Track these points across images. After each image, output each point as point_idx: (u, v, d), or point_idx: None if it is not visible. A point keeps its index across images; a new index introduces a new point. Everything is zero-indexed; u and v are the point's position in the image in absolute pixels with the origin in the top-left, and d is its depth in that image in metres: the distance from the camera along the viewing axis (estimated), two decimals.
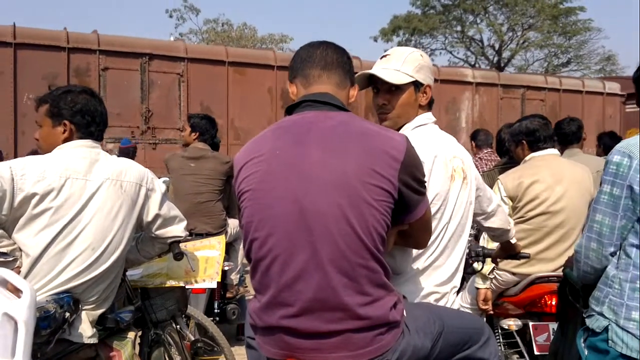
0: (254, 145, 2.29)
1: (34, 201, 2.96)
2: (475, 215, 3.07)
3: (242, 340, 6.46)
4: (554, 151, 4.50)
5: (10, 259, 2.99)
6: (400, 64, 2.81)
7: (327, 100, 2.30)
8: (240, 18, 58.85)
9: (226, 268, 6.30)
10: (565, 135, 6.37)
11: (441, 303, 2.74)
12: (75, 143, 3.22)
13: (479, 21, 42.16)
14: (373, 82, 2.87)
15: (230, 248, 6.75)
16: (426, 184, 2.41)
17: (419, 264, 2.68)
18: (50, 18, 67.76)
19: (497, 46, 42.42)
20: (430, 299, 2.71)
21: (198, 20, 39.82)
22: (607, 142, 8.40)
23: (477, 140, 8.48)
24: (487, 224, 3.33)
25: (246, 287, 7.21)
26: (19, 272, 2.95)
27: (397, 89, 2.81)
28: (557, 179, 4.25)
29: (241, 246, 6.66)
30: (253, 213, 2.19)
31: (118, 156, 8.87)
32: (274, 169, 2.17)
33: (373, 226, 2.11)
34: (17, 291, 2.62)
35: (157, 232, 3.50)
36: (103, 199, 3.13)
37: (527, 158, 4.51)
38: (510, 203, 4.29)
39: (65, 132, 3.23)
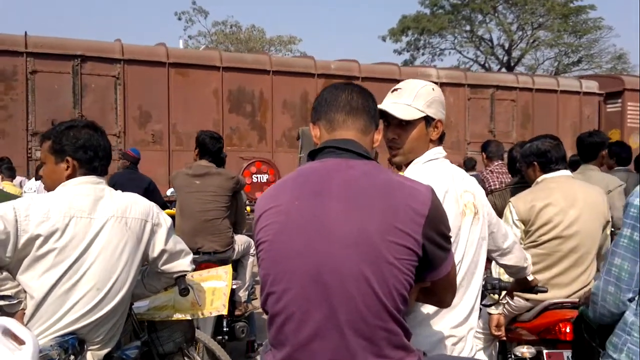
0: (274, 192, 2.18)
1: (38, 242, 2.88)
2: (490, 251, 2.97)
3: (252, 358, 6.44)
4: (566, 172, 4.31)
5: (15, 301, 2.96)
6: (411, 99, 2.71)
7: (350, 148, 2.15)
8: (248, 20, 58.56)
9: (234, 286, 6.02)
10: (584, 150, 6.11)
11: (458, 347, 2.62)
12: (79, 180, 3.12)
13: (488, 20, 40.81)
14: (384, 116, 2.70)
15: (238, 265, 6.55)
16: (452, 238, 2.28)
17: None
18: (66, 27, 67.16)
19: (506, 45, 41.05)
20: (447, 343, 2.60)
21: (207, 23, 39.20)
22: (617, 152, 7.30)
23: (487, 152, 8.14)
24: (503, 261, 3.19)
25: (255, 298, 6.98)
26: (23, 315, 2.93)
27: (407, 124, 2.71)
28: (570, 201, 4.07)
29: (249, 261, 6.57)
30: (270, 266, 2.08)
31: (125, 164, 8.64)
32: (293, 220, 2.05)
33: (394, 286, 1.98)
34: (19, 340, 2.52)
35: (163, 268, 3.39)
36: (108, 237, 3.04)
37: (538, 180, 4.31)
38: (522, 227, 4.13)
39: (68, 169, 3.13)
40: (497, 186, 7.33)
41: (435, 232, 2.08)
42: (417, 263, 2.03)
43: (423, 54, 42.20)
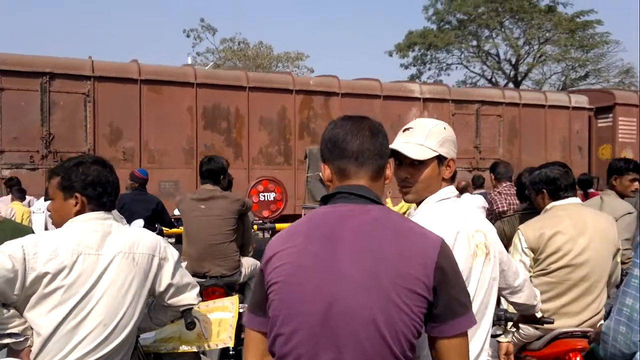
0: (287, 235, 2.15)
1: (45, 280, 2.85)
2: (500, 289, 2.95)
3: None
4: (576, 200, 4.23)
5: (22, 339, 2.89)
6: (423, 139, 2.68)
7: (362, 194, 2.12)
8: (256, 37, 58.49)
9: (241, 310, 5.60)
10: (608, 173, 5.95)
11: None
12: (87, 216, 3.09)
13: (494, 36, 40.30)
14: (395, 155, 2.67)
15: (245, 288, 6.39)
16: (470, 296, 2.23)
17: None
18: (79, 49, 67.30)
19: (513, 60, 40.48)
20: None
21: (215, 40, 39.03)
22: None
23: (496, 173, 7.98)
24: (513, 299, 3.16)
25: None
26: (30, 352, 2.90)
27: (420, 164, 2.68)
28: (580, 230, 4.00)
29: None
30: (280, 307, 2.05)
31: (134, 185, 7.97)
32: (305, 263, 2.03)
33: (402, 332, 1.95)
34: None
35: (170, 301, 3.34)
36: (115, 273, 3.01)
37: (548, 207, 4.23)
38: (532, 255, 4.05)
39: (77, 205, 3.10)
40: (505, 208, 7.28)
41: (446, 279, 2.04)
42: (426, 310, 2.01)
43: (429, 69, 41.88)
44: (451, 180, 2.79)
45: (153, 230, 8.78)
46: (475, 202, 10.77)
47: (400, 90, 16.21)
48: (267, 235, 15.18)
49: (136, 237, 3.17)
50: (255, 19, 69.62)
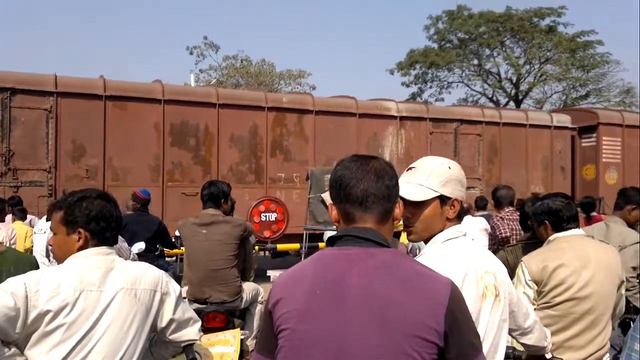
0: (294, 278, 2.07)
1: (47, 318, 2.77)
2: (510, 330, 2.85)
3: None
4: (579, 231, 4.14)
5: None
6: (424, 179, 2.62)
7: (370, 237, 2.04)
8: (259, 55, 58.12)
9: (242, 337, 5.60)
10: (617, 199, 5.96)
11: None
12: (90, 251, 3.01)
13: (495, 55, 39.93)
14: None
15: (246, 313, 6.30)
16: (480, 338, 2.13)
17: None
18: (88, 67, 67.10)
19: (514, 79, 39.97)
20: None
21: (218, 57, 38.63)
22: None
23: (496, 198, 7.85)
24: (523, 340, 3.08)
25: None
26: None
27: (421, 203, 2.60)
28: (583, 262, 3.89)
29: (257, 309, 6.31)
30: (289, 355, 2.00)
31: (136, 205, 8.92)
32: (313, 310, 1.97)
33: None
34: None
35: (171, 337, 3.24)
36: (117, 310, 2.94)
37: (550, 238, 4.13)
38: (535, 287, 3.95)
39: (80, 240, 3.02)
40: (508, 233, 7.13)
41: (457, 323, 1.97)
42: (436, 356, 1.93)
43: (431, 87, 41.45)
44: (457, 218, 2.68)
45: (154, 251, 8.78)
46: (477, 224, 10.32)
47: (376, 108, 15.65)
48: (267, 254, 14.83)
49: (138, 272, 3.08)
50: (259, 37, 69.21)
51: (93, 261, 3.00)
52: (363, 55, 74.14)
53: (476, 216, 11.03)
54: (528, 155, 17.39)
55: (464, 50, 39.78)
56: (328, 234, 3.58)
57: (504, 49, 39.36)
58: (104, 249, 3.06)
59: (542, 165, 17.58)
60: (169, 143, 13.40)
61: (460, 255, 2.57)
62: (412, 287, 1.96)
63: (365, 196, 2.10)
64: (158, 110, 13.26)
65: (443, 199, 2.63)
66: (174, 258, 11.69)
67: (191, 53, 38.78)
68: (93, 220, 3.05)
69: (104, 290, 2.94)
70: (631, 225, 5.74)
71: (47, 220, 8.52)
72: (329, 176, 5.98)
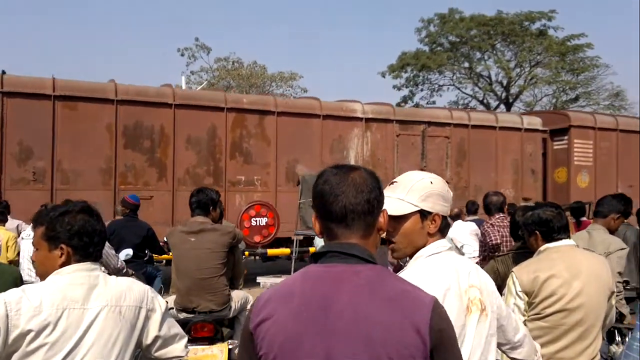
0: (278, 298, 1.96)
1: (29, 338, 2.63)
2: (499, 345, 2.76)
3: None
4: (570, 242, 4.06)
5: None
6: (405, 193, 2.56)
7: (355, 253, 1.96)
8: (251, 57, 57.46)
9: (230, 346, 5.75)
10: (595, 211, 5.96)
11: None
12: (73, 267, 2.84)
13: (486, 58, 39.24)
14: None
15: (235, 322, 6.09)
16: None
17: None
18: (75, 69, 66.21)
19: (505, 82, 39.31)
20: None
21: (209, 59, 37.92)
22: None
23: (486, 204, 7.70)
24: (513, 354, 2.92)
25: None
26: None
27: (400, 218, 2.53)
28: (574, 273, 3.82)
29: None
30: None
31: (125, 211, 8.73)
32: (299, 330, 1.88)
33: None
34: None
35: (157, 354, 3.07)
36: (101, 327, 2.78)
37: (541, 249, 4.05)
38: (526, 298, 3.87)
39: (62, 256, 2.86)
40: (499, 240, 7.03)
41: (442, 340, 1.91)
42: None
43: (422, 90, 40.83)
44: (441, 233, 2.61)
45: (143, 257, 8.51)
46: (468, 228, 10.19)
47: (341, 110, 14.98)
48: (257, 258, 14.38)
49: (123, 288, 2.94)
50: (250, 39, 67.81)
51: (76, 278, 2.86)
52: (355, 58, 73.25)
53: (467, 220, 10.78)
54: (498, 157, 16.73)
55: (455, 53, 39.15)
56: (318, 240, 3.15)
57: (494, 52, 38.69)
58: (87, 265, 2.93)
59: (512, 168, 16.92)
60: (122, 145, 12.75)
61: (443, 269, 2.49)
62: (396, 307, 1.89)
63: (345, 213, 2.01)
64: (111, 111, 12.61)
65: (424, 214, 2.56)
66: (163, 262, 11.35)
67: (182, 55, 38.11)
68: (76, 235, 2.91)
69: (88, 308, 2.82)
70: (612, 232, 5.75)
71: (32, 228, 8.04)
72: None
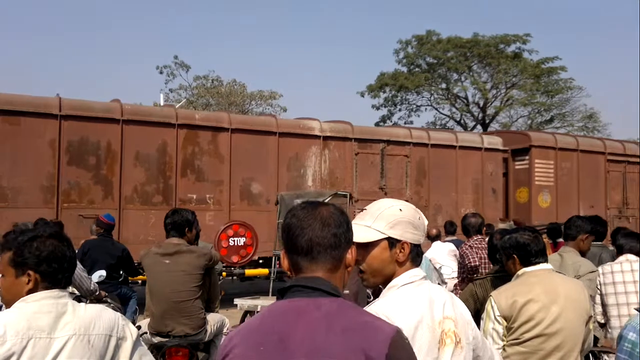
0: (242, 334, 1.95)
1: None
2: None
3: None
4: (547, 266, 3.98)
5: None
6: (372, 220, 2.47)
7: (319, 287, 1.93)
8: (229, 75, 56.22)
9: None
10: (565, 233, 5.92)
11: None
12: (40, 295, 2.71)
13: (463, 79, 39.17)
14: None
15: (210, 346, 5.86)
16: None
17: None
18: (47, 86, 65.22)
19: (481, 103, 39.16)
20: None
21: (188, 77, 37.29)
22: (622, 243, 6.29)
23: (464, 226, 7.63)
24: None
25: None
26: None
27: (368, 245, 2.43)
28: (552, 297, 3.76)
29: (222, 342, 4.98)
30: None
31: (99, 230, 8.47)
32: None
33: None
34: None
35: None
36: (68, 357, 2.64)
37: (519, 273, 3.97)
38: (505, 323, 3.77)
39: (29, 283, 2.73)
40: (477, 262, 6.93)
41: None
42: None
43: (400, 110, 40.62)
44: (413, 263, 2.48)
45: (118, 278, 8.08)
46: (446, 248, 9.96)
47: (298, 127, 14.41)
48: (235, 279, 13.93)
49: (93, 316, 2.79)
50: (230, 58, 67.58)
51: (43, 306, 2.72)
52: (335, 77, 72.93)
53: (445, 241, 10.55)
54: (458, 177, 16.20)
55: (432, 75, 39.05)
56: None
57: (471, 73, 38.63)
58: (55, 292, 2.77)
59: (472, 187, 16.39)
60: (65, 161, 12.09)
61: (415, 300, 2.39)
62: (354, 338, 1.83)
63: (311, 246, 1.97)
64: (54, 126, 12.00)
65: (392, 242, 2.46)
66: (139, 283, 10.93)
67: (161, 72, 37.58)
68: (44, 261, 2.76)
69: (55, 337, 2.67)
70: (583, 253, 5.70)
71: None
72: (298, 201, 5.48)
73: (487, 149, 16.80)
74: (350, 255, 2.04)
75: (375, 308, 2.21)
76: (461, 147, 16.43)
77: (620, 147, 19.43)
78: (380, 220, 2.47)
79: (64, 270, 2.85)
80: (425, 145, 15.97)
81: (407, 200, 11.80)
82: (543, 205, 17.16)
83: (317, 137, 14.52)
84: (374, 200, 9.88)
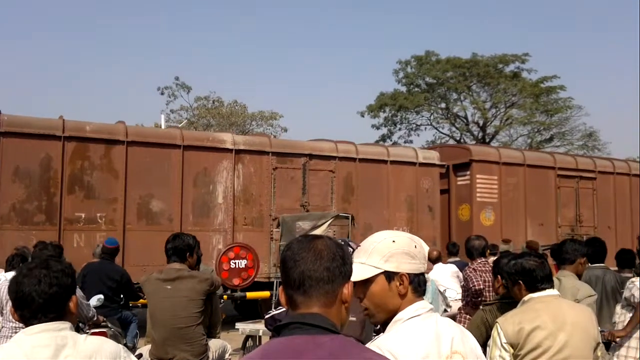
0: None
1: None
2: None
3: None
4: (554, 292, 3.80)
5: None
6: (366, 257, 2.30)
7: (317, 324, 1.78)
8: (230, 96, 53.96)
9: None
10: (561, 256, 5.47)
11: None
12: (39, 327, 2.53)
13: (462, 99, 37.72)
14: None
15: None
16: None
17: None
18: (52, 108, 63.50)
19: (481, 122, 37.59)
20: None
21: (189, 98, 35.61)
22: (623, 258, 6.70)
23: (467, 248, 7.19)
24: None
25: None
26: None
27: (366, 282, 2.27)
28: (559, 324, 3.55)
29: None
30: None
31: (101, 255, 8.22)
32: None
33: None
34: None
35: None
36: None
37: (525, 299, 3.79)
38: (511, 350, 3.57)
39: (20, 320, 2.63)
40: (482, 286, 6.57)
41: None
42: None
43: (400, 129, 39.15)
44: (417, 294, 2.30)
45: (118, 301, 7.73)
46: (448, 270, 9.49)
47: (207, 140, 12.57)
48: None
49: (94, 349, 2.59)
50: (230, 79, 65.49)
51: (41, 339, 2.52)
52: (335, 98, 71.69)
53: (448, 262, 10.09)
54: (390, 193, 14.17)
55: (432, 94, 37.57)
56: None
57: (470, 93, 37.09)
58: (55, 325, 2.56)
59: (406, 204, 14.38)
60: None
61: (421, 334, 2.21)
62: None
63: (302, 279, 1.84)
64: None
65: (390, 275, 2.27)
66: (140, 306, 9.96)
67: (162, 93, 36.61)
68: (17, 306, 2.58)
69: None
70: (579, 276, 5.43)
71: (5, 271, 6.85)
72: (300, 223, 7.13)
73: (422, 164, 15.02)
74: (347, 290, 1.88)
75: (379, 343, 2.08)
76: (393, 162, 14.81)
77: (572, 162, 17.55)
78: (374, 255, 2.29)
79: (35, 311, 2.55)
80: (353, 159, 14.32)
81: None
82: (486, 223, 15.03)
83: (228, 150, 12.56)
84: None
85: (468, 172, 15.46)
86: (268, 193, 13.14)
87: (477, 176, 15.36)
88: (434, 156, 15.59)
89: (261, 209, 13.07)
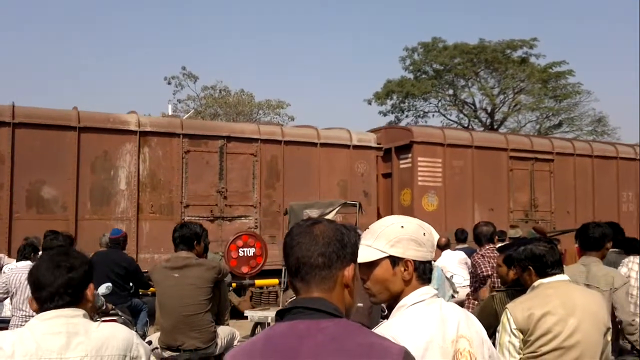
0: (241, 356, 1.70)
1: None
2: None
3: None
4: (564, 277, 3.60)
5: None
6: (373, 239, 2.17)
7: (320, 308, 1.71)
8: (237, 85, 51.47)
9: None
10: (587, 241, 5.00)
11: None
12: (51, 313, 2.41)
13: (470, 85, 35.73)
14: None
15: (221, 359, 5.43)
16: None
17: None
18: (60, 97, 61.25)
19: (489, 109, 35.80)
20: None
21: (196, 87, 33.73)
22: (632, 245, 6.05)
23: (476, 235, 6.89)
24: None
25: None
26: None
27: (371, 265, 2.15)
28: (569, 310, 3.37)
29: None
30: None
31: (108, 245, 8.09)
32: None
33: None
34: None
35: None
36: None
37: (535, 284, 3.60)
38: (521, 336, 3.37)
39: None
40: (490, 272, 6.23)
41: None
42: None
43: (407, 116, 37.52)
44: (422, 280, 2.16)
45: (128, 289, 7.50)
46: (456, 257, 9.04)
47: (107, 122, 10.69)
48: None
49: (106, 337, 2.47)
50: (237, 68, 63.34)
51: (53, 325, 2.40)
52: (342, 86, 69.19)
53: (456, 249, 9.61)
54: (321, 178, 12.37)
55: (439, 81, 35.67)
56: None
57: (478, 79, 35.14)
58: (67, 311, 2.44)
59: (340, 190, 12.61)
60: None
61: (426, 319, 2.09)
62: None
63: (298, 265, 1.76)
64: None
65: (395, 260, 2.14)
66: (150, 294, 9.62)
67: (169, 83, 35.51)
68: (35, 289, 2.45)
69: (66, 358, 2.36)
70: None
71: (17, 260, 6.69)
72: (308, 211, 7.62)
73: (356, 147, 13.36)
74: (348, 273, 1.79)
75: (383, 329, 1.98)
76: (324, 145, 13.27)
77: (527, 142, 15.76)
78: (380, 238, 2.16)
79: (53, 295, 2.42)
80: (278, 142, 12.67)
81: (253, 206, 11.16)
82: (428, 208, 13.26)
83: (132, 132, 10.70)
84: (211, 207, 10.55)
85: (410, 155, 13.72)
86: (179, 178, 11.77)
87: (419, 159, 13.55)
88: (370, 138, 14.01)
89: (170, 195, 11.71)
